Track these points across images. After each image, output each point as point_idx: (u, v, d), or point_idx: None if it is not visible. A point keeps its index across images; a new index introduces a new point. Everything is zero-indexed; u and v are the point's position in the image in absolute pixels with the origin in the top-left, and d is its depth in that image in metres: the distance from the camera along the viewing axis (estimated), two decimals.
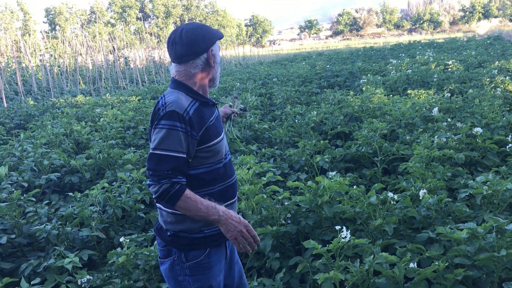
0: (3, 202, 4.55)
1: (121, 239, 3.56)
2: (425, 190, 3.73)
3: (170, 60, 2.22)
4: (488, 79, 10.01)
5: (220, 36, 2.22)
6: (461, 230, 3.03)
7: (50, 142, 7.59)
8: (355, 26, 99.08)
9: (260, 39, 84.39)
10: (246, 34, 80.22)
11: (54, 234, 3.98)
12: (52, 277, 3.55)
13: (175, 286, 2.20)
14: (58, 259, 3.64)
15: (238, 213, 2.39)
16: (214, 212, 2.00)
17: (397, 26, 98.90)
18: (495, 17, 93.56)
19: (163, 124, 2.01)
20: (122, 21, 61.34)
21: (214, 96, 12.12)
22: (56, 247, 3.82)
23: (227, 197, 2.23)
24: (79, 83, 21.97)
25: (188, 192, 2.01)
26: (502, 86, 8.92)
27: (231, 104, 3.09)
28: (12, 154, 6.69)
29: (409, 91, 9.20)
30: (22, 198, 4.63)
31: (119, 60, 27.68)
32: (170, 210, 2.15)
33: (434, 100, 7.65)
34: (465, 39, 33.76)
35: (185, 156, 2.02)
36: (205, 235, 2.16)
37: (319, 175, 4.69)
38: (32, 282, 3.23)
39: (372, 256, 2.91)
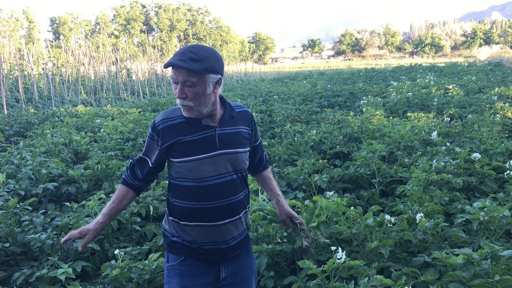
0: None
1: (116, 252, 3.54)
2: (422, 214, 3.73)
3: None
4: (487, 105, 10.08)
5: (166, 65, 2.11)
6: (457, 255, 3.02)
7: (49, 151, 7.60)
8: (357, 47, 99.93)
9: (262, 56, 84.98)
10: (249, 50, 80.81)
11: (49, 244, 3.96)
12: (45, 287, 3.53)
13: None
14: (51, 269, 3.62)
15: (235, 236, 2.35)
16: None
17: (399, 49, 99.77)
18: (496, 43, 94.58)
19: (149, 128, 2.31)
20: (126, 33, 61.71)
21: None
22: (49, 257, 3.80)
23: (203, 219, 2.19)
24: (81, 93, 22.05)
25: (121, 187, 2.35)
26: (501, 112, 8.98)
27: (296, 230, 2.55)
28: (10, 161, 6.68)
29: (409, 114, 9.24)
30: (18, 206, 4.62)
31: (121, 71, 27.80)
32: (166, 208, 2.36)
33: (433, 124, 7.69)
34: (466, 64, 34.06)
35: (147, 159, 2.30)
36: (181, 241, 2.25)
37: (317, 195, 4.69)
38: None
39: (367, 279, 2.89)
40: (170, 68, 2.12)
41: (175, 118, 2.22)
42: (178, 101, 2.13)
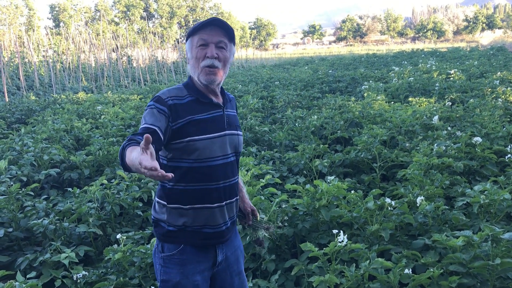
0: (1, 195, 4.56)
1: (118, 236, 3.56)
2: (422, 197, 3.74)
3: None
4: (489, 90, 10.04)
5: (190, 32, 2.16)
6: (457, 237, 3.03)
7: (50, 138, 7.61)
8: (358, 33, 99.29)
9: (263, 42, 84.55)
10: (250, 36, 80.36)
11: (51, 229, 3.99)
12: (48, 272, 3.56)
13: (155, 271, 2.28)
14: (54, 254, 3.65)
15: (231, 216, 2.35)
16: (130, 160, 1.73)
17: (401, 34, 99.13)
18: (499, 28, 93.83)
19: (147, 106, 2.10)
20: (126, 20, 61.37)
21: None
22: (52, 242, 3.83)
23: (210, 200, 2.17)
24: (81, 80, 22.01)
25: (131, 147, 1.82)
26: (503, 96, 8.94)
27: (255, 222, 2.53)
28: (12, 148, 6.70)
29: (410, 99, 9.22)
30: (20, 192, 4.64)
31: (122, 58, 27.72)
32: (157, 198, 2.23)
33: (435, 108, 7.67)
34: (468, 49, 33.88)
35: (155, 128, 1.97)
36: (180, 229, 2.16)
37: (318, 179, 4.69)
38: (27, 276, 3.23)
39: (367, 261, 2.91)
40: (193, 39, 2.15)
41: (183, 97, 2.13)
42: (206, 62, 2.12)
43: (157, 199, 2.24)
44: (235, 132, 2.27)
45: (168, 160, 2.15)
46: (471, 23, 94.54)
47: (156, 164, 1.52)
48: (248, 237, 2.58)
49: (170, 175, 1.52)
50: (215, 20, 2.13)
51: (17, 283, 2.93)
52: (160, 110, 2.04)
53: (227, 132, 2.21)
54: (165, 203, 2.18)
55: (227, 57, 2.17)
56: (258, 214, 2.55)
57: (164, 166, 2.16)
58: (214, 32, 2.13)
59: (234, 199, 2.30)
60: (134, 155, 1.68)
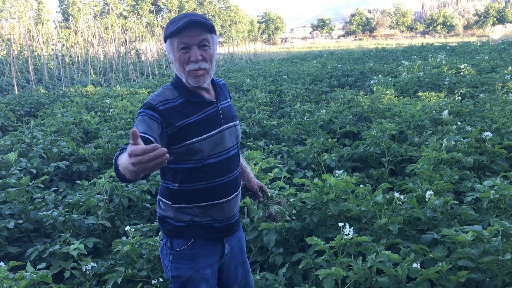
0: (12, 187, 4.59)
1: (127, 228, 3.57)
2: (431, 192, 3.71)
3: None
4: (500, 84, 9.94)
5: (167, 34, 2.01)
6: (466, 232, 3.01)
7: (59, 130, 7.66)
8: (367, 27, 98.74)
9: (272, 36, 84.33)
10: (258, 30, 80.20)
11: (61, 220, 4.02)
12: (57, 263, 3.59)
13: (164, 268, 2.26)
14: (63, 246, 3.68)
15: (242, 207, 2.35)
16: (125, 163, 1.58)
17: (410, 28, 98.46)
18: (510, 22, 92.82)
19: (138, 113, 1.98)
20: (135, 14, 61.48)
21: None
22: (62, 234, 3.85)
23: (215, 196, 2.15)
24: (90, 73, 22.07)
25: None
26: None
27: (266, 199, 2.55)
28: (22, 140, 6.75)
29: (419, 93, 9.14)
30: (30, 184, 4.67)
31: (130, 52, 27.77)
32: (160, 197, 2.21)
33: (444, 103, 7.60)
34: (478, 44, 33.56)
35: (148, 136, 1.82)
36: (188, 225, 2.14)
37: (326, 173, 4.68)
38: (37, 267, 3.26)
39: (375, 254, 2.90)
40: (171, 41, 2.02)
41: (175, 99, 2.04)
42: (192, 66, 2.00)
43: (160, 197, 2.21)
44: (232, 123, 2.22)
45: (170, 163, 2.09)
46: (482, 17, 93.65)
47: (149, 146, 1.37)
48: (261, 213, 2.59)
49: (165, 151, 1.38)
50: (190, 20, 1.96)
51: (27, 273, 2.95)
52: (151, 116, 1.93)
53: (224, 126, 2.16)
54: (170, 203, 2.16)
55: (211, 54, 2.05)
56: (267, 190, 2.55)
57: (166, 169, 2.12)
58: (193, 32, 1.98)
59: (239, 190, 2.29)
60: (124, 156, 1.56)
